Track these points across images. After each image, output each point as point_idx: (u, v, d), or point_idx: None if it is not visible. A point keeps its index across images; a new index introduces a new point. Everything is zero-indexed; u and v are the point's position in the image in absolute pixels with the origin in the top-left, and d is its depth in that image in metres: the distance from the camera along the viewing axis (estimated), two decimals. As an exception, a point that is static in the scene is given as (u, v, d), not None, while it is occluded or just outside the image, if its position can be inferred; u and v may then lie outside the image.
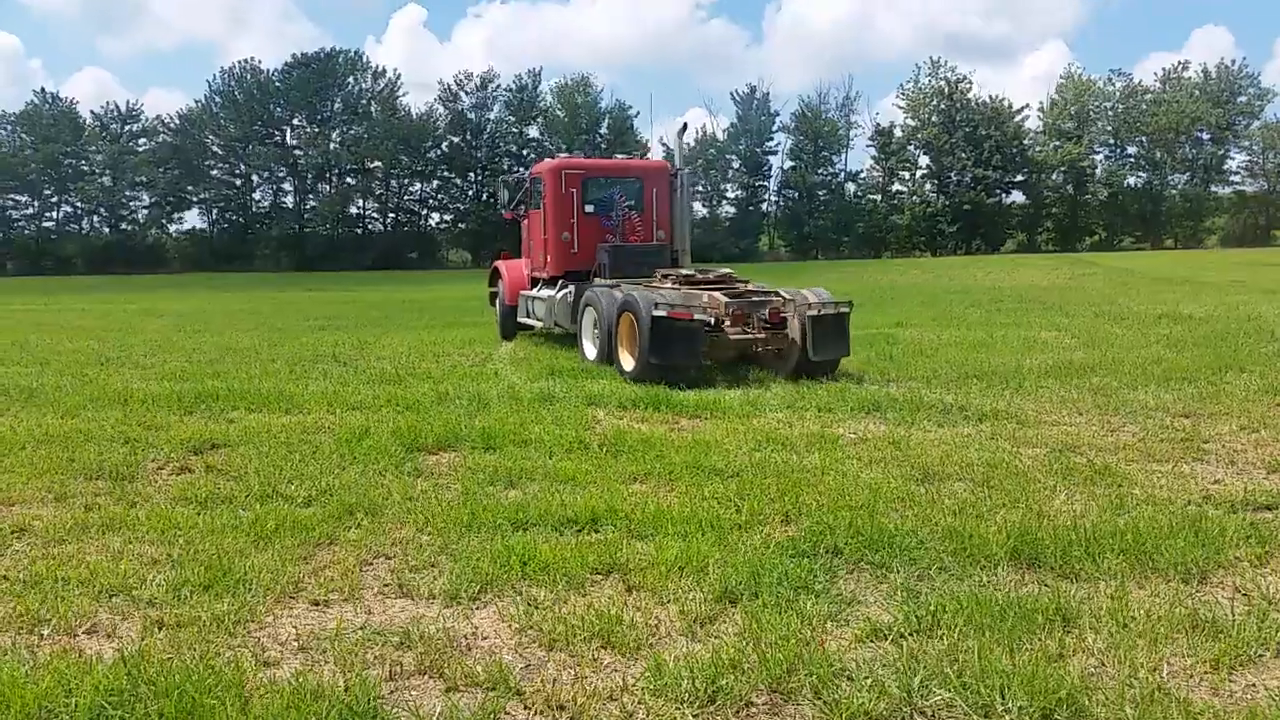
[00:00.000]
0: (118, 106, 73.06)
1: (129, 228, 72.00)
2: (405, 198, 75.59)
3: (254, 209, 73.72)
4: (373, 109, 72.59)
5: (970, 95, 71.52)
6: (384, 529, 5.12)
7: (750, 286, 11.55)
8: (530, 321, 14.37)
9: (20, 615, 3.93)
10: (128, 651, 3.49)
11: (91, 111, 72.65)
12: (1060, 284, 30.83)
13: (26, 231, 71.73)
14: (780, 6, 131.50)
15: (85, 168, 71.17)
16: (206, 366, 11.83)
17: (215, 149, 72.08)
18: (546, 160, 14.55)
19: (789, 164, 73.84)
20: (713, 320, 10.38)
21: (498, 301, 15.68)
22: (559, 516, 5.17)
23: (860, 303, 22.46)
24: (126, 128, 72.64)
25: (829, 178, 73.92)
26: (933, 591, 4.11)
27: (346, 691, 3.22)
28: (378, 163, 71.59)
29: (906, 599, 4.03)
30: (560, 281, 13.33)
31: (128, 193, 71.58)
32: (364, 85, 73.50)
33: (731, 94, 76.09)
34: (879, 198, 73.89)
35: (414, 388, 9.76)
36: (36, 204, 71.86)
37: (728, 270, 12.41)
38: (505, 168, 72.74)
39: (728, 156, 73.81)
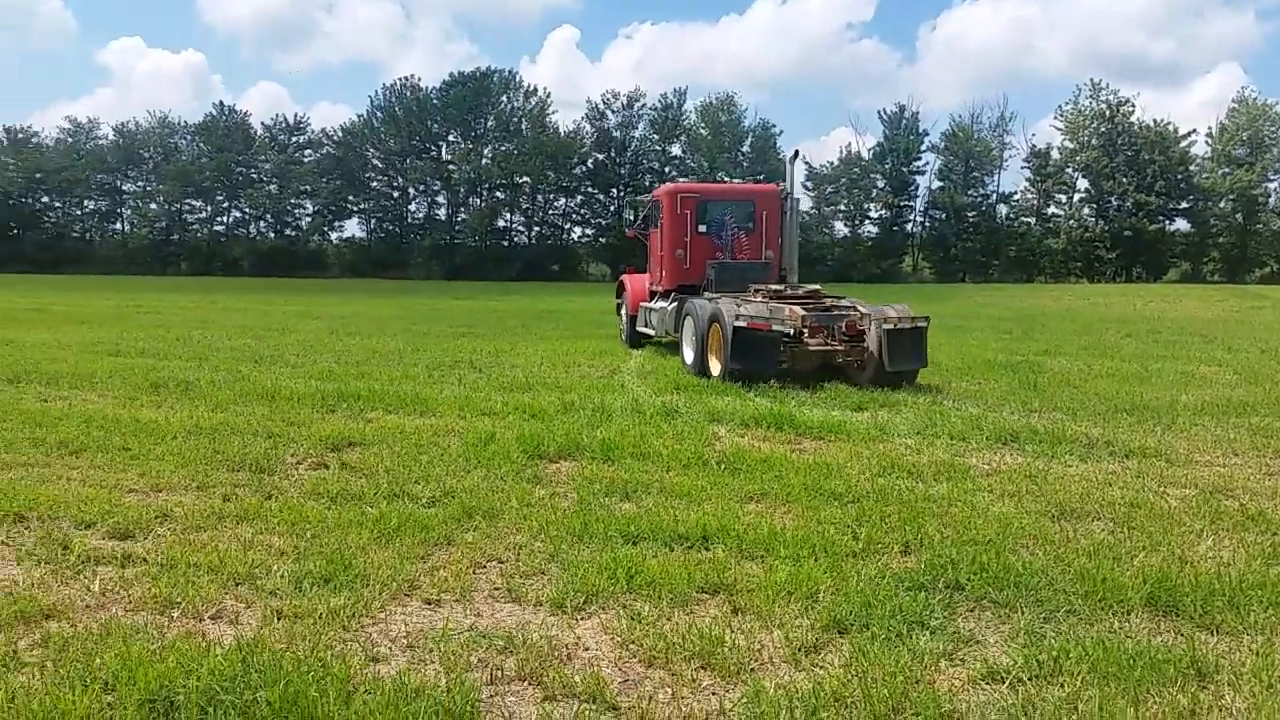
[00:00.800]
0: (287, 119, 77.93)
1: (293, 234, 76.45)
2: (550, 212, 77.52)
3: (409, 219, 77.03)
4: (523, 126, 74.76)
5: (1133, 119, 67.92)
6: (499, 533, 5.20)
7: (831, 301, 12.19)
8: (647, 330, 15.50)
9: (154, 597, 4.16)
10: (245, 639, 3.65)
11: (262, 123, 77.78)
12: (1225, 316, 28.84)
13: (200, 234, 77.18)
14: (935, 26, 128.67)
15: (255, 176, 76.00)
16: (352, 368, 12.35)
17: (375, 162, 75.82)
18: (666, 184, 15.65)
19: (937, 184, 71.94)
20: (791, 331, 11.03)
21: (622, 311, 16.87)
22: (670, 532, 5.13)
23: (1007, 328, 21.69)
24: (294, 139, 77.23)
25: (979, 199, 71.53)
26: (1057, 635, 3.87)
27: (447, 693, 3.27)
28: (526, 178, 73.62)
29: (1028, 642, 3.81)
30: (673, 295, 14.41)
31: (293, 201, 76.04)
32: (516, 103, 75.82)
33: (879, 112, 74.70)
34: (1033, 220, 70.96)
35: (542, 396, 9.93)
36: (209, 209, 77.30)
37: (816, 287, 13.23)
38: (646, 184, 73.67)
39: (872, 175, 72.40)
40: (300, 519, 5.33)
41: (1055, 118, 71.46)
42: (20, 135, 77.07)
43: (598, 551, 4.83)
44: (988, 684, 3.49)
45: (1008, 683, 3.47)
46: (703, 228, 14.67)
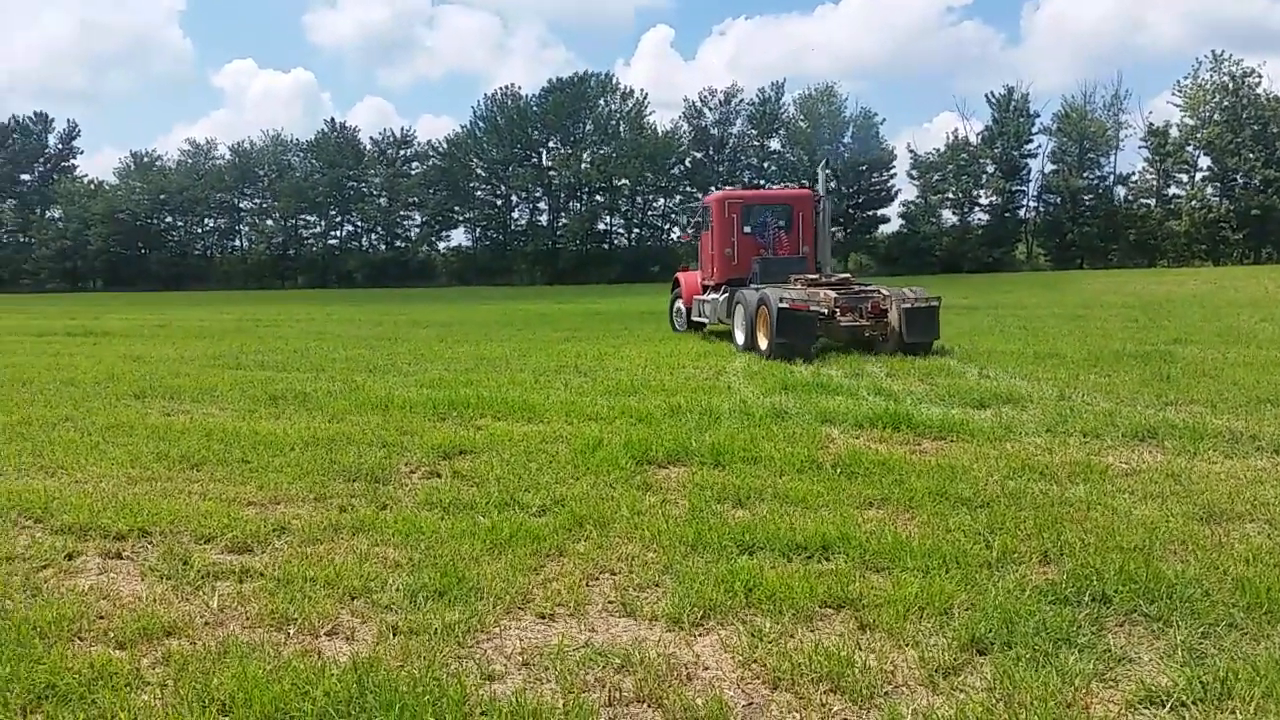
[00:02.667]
0: (394, 133, 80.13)
1: (402, 244, 78.64)
2: (649, 213, 77.75)
3: (512, 227, 78.34)
4: (621, 129, 75.14)
5: (1259, 90, 63.94)
6: (611, 543, 5.07)
7: (858, 286, 14.77)
8: (701, 319, 18.02)
9: (271, 613, 4.17)
10: (360, 657, 3.60)
11: (371, 138, 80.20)
12: (1377, 296, 26.80)
13: (315, 248, 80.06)
14: (1039, 5, 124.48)
15: (365, 190, 78.44)
16: (461, 375, 12.48)
17: (479, 171, 77.36)
18: (714, 192, 18.47)
19: (1050, 168, 69.27)
20: (825, 311, 13.56)
21: (677, 304, 19.45)
22: (787, 541, 4.91)
23: (1133, 316, 20.60)
24: (401, 152, 79.32)
25: (1095, 181, 68.53)
26: (1221, 653, 3.53)
27: (565, 715, 3.15)
28: (624, 180, 74.01)
29: (1189, 660, 3.49)
30: (723, 287, 16.70)
31: (402, 213, 78.23)
32: (613, 106, 76.30)
33: (987, 96, 72.10)
34: (1153, 202, 67.62)
35: (648, 400, 9.81)
36: (323, 223, 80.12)
37: (847, 275, 15.81)
38: (745, 180, 73.15)
39: (981, 161, 70.10)
40: (414, 530, 5.31)
41: (1173, 93, 68.06)
42: (145, 159, 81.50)
43: (713, 562, 4.66)
44: (1147, 708, 3.20)
45: (1169, 706, 3.19)
46: (747, 229, 17.03)
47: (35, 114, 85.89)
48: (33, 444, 8.05)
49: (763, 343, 13.68)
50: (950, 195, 70.93)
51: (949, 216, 71.84)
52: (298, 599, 4.29)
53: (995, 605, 3.97)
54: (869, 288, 14.54)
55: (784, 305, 13.10)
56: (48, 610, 4.17)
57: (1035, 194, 70.91)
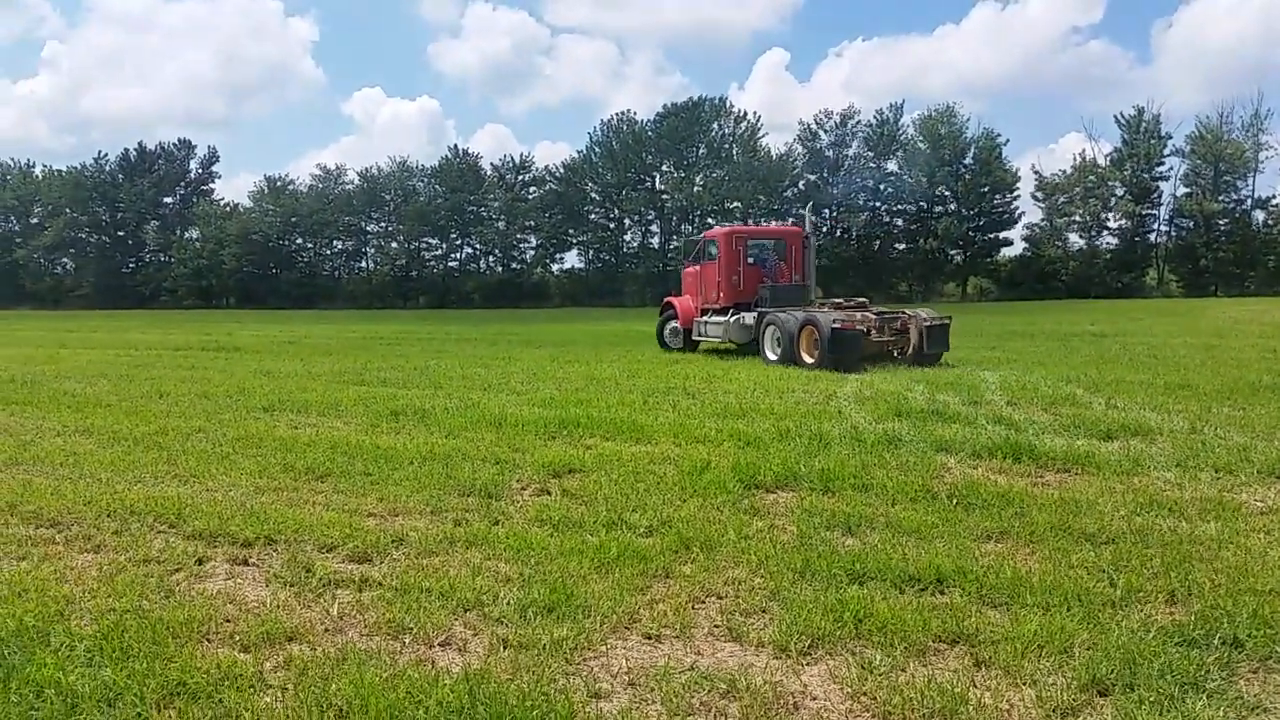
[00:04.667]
0: (513, 159, 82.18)
1: (518, 267, 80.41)
2: (762, 236, 77.43)
3: (624, 249, 79.16)
4: (734, 152, 75.20)
5: None
6: (718, 566, 5.07)
7: (882, 309, 17.49)
8: (699, 338, 20.54)
9: (388, 622, 4.32)
10: (472, 669, 3.69)
11: (491, 164, 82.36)
12: None
13: (436, 270, 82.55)
14: (1171, 23, 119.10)
15: (484, 214, 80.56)
16: (572, 394, 12.65)
17: (593, 195, 78.57)
18: (719, 228, 21.50)
19: (1183, 190, 66.06)
20: (865, 330, 15.95)
21: (670, 324, 21.66)
22: (900, 572, 4.81)
23: (1270, 346, 19.39)
24: (519, 177, 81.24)
25: (1231, 205, 64.82)
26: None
27: (669, 736, 3.16)
28: (736, 203, 73.90)
29: (1334, 715, 3.26)
30: (731, 310, 19.30)
31: (518, 236, 79.99)
32: (726, 129, 76.42)
33: (1116, 117, 69.31)
34: (1296, 226, 63.65)
35: (756, 423, 9.75)
36: (444, 246, 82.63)
37: (864, 299, 18.71)
38: (860, 203, 72.19)
39: (1110, 184, 67.35)
40: (525, 545, 5.42)
41: (1322, 112, 63.88)
42: (279, 183, 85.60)
43: (821, 591, 4.60)
44: (1286, 764, 3.00)
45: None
46: (750, 260, 19.85)
47: (179, 141, 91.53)
48: (168, 453, 8.54)
49: (808, 358, 16.01)
50: (1077, 218, 68.35)
51: (1075, 240, 69.32)
52: (413, 609, 4.42)
53: (1118, 645, 3.81)
54: (892, 310, 17.60)
55: (836, 325, 15.48)
56: (179, 612, 4.41)
57: (1167, 218, 67.84)
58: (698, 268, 21.04)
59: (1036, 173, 70.41)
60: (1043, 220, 69.49)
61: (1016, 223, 71.14)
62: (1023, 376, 13.65)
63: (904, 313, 16.90)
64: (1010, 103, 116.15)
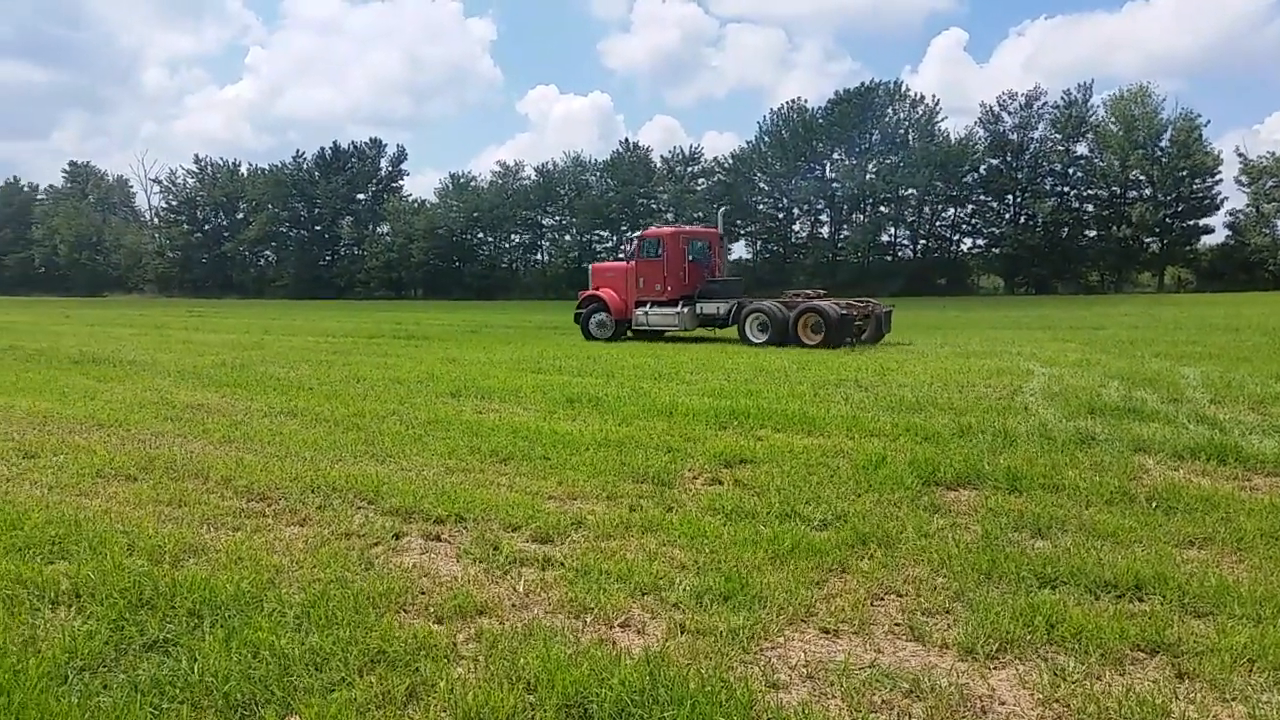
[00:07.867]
0: (683, 150, 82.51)
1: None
2: (937, 224, 74.87)
3: (792, 239, 78.23)
4: (910, 137, 72.87)
5: None
6: (897, 564, 4.95)
7: (851, 300, 21.00)
8: (641, 327, 23.11)
9: (570, 600, 4.45)
10: (652, 651, 3.75)
11: (661, 156, 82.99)
12: None
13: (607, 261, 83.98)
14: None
15: (654, 206, 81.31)
16: (741, 385, 12.63)
17: (762, 185, 77.90)
18: (664, 227, 25.13)
19: None
20: (855, 316, 19.83)
21: (601, 315, 23.53)
22: (1095, 577, 4.56)
23: None
24: (688, 169, 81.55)
25: None
26: None
27: (850, 732, 3.12)
28: (912, 190, 71.69)
29: None
30: (681, 301, 22.34)
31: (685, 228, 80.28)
32: (901, 114, 74.11)
33: (1339, 90, 63.00)
34: None
35: (934, 418, 9.44)
36: (615, 238, 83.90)
37: (823, 290, 23.38)
38: (1046, 188, 68.56)
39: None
40: (699, 533, 5.46)
41: None
42: (461, 179, 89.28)
43: (1009, 594, 4.42)
44: None
45: None
46: (691, 256, 22.89)
47: (370, 140, 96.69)
48: (365, 434, 9.07)
49: (809, 340, 19.65)
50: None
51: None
52: (594, 590, 4.54)
53: (1349, 668, 3.48)
54: (861, 300, 21.43)
55: (844, 312, 19.51)
56: (379, 583, 4.68)
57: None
58: (630, 264, 23.46)
59: (1240, 155, 65.04)
60: (1248, 206, 64.03)
61: (1219, 209, 65.80)
62: (1227, 373, 12.62)
63: (869, 302, 21.19)
64: (1208, 82, 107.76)
